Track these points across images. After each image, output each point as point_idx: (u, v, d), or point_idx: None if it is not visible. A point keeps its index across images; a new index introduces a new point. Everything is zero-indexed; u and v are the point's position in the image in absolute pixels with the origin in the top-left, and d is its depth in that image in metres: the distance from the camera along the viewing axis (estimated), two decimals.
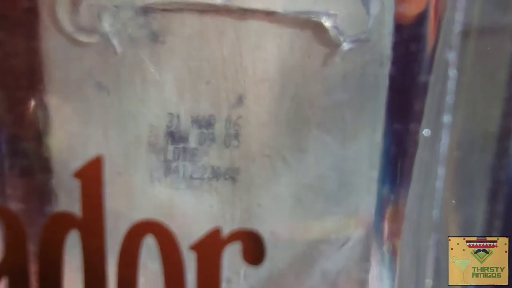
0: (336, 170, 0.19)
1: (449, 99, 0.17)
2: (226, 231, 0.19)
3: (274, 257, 0.19)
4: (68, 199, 0.19)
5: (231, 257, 0.19)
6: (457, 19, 0.17)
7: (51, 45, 0.18)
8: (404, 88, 0.18)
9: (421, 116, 0.18)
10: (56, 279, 0.19)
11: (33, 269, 0.19)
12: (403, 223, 0.19)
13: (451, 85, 0.17)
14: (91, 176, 0.19)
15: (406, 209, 0.19)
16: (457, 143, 0.18)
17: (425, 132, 0.18)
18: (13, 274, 0.19)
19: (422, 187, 0.18)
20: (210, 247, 0.19)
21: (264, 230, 0.19)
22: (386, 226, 0.19)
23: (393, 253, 0.20)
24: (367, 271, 0.20)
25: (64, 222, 0.19)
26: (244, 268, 0.20)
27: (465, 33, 0.17)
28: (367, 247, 0.20)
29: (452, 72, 0.17)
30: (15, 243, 0.19)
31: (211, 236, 0.19)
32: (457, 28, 0.17)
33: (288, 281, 0.20)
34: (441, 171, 0.18)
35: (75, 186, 0.19)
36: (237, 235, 0.19)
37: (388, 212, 0.19)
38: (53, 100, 0.18)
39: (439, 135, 0.18)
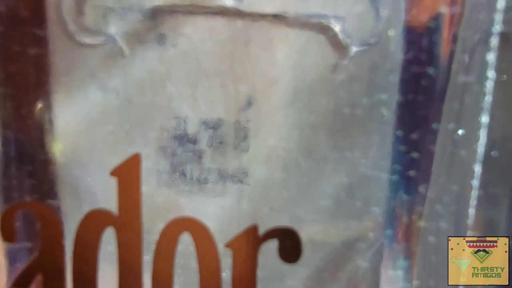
0: (348, 172, 0.19)
1: (488, 98, 0.17)
2: (234, 233, 0.19)
3: None
4: (71, 201, 0.19)
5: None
6: (496, 20, 0.17)
7: (57, 47, 0.18)
8: (417, 89, 0.18)
9: (435, 117, 0.18)
10: (91, 276, 0.20)
11: (68, 265, 0.19)
12: (421, 223, 0.19)
13: (489, 85, 0.17)
14: (128, 173, 0.19)
15: (425, 209, 0.19)
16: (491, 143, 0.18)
17: (460, 132, 0.18)
18: (48, 270, 0.20)
19: (459, 186, 0.19)
20: (246, 245, 0.19)
21: None
22: (400, 227, 0.19)
23: (410, 253, 0.20)
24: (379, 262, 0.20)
25: (100, 219, 0.19)
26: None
27: (504, 35, 0.17)
28: (380, 249, 0.20)
29: (491, 73, 0.17)
30: (51, 240, 0.19)
31: (248, 233, 0.19)
32: (496, 29, 0.17)
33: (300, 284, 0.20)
34: (477, 169, 0.18)
35: (78, 186, 0.19)
36: (273, 233, 0.19)
37: (404, 212, 0.19)
38: (60, 102, 0.18)
39: (474, 135, 0.18)
